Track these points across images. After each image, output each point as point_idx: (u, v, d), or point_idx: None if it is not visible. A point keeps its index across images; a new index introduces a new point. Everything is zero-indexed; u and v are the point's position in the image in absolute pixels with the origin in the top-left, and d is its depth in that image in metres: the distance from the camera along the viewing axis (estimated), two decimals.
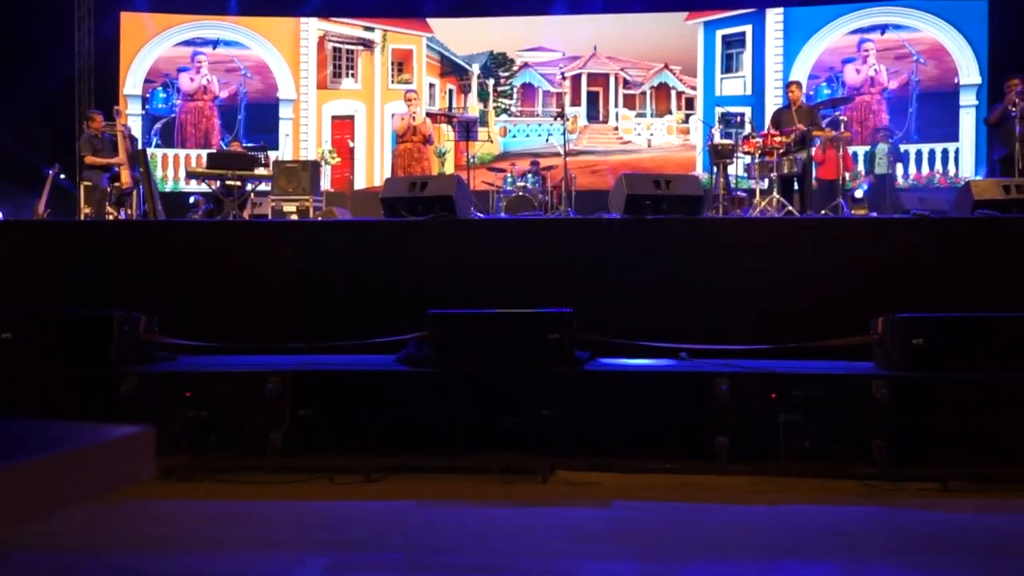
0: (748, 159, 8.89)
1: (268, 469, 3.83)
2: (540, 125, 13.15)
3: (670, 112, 13.05)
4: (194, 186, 10.82)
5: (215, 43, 13.09)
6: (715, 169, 9.00)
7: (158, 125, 12.95)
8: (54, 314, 4.31)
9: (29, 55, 11.43)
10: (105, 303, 4.40)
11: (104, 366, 4.08)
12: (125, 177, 8.65)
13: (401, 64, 13.34)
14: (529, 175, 10.80)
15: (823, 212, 8.28)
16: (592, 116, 13.22)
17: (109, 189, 8.77)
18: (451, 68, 13.31)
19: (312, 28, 13.21)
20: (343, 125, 13.15)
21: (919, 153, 12.25)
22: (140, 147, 10.29)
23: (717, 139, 9.40)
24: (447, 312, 4.21)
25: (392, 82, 13.27)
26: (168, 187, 12.56)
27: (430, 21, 13.22)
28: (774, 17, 12.72)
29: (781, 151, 8.41)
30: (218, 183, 8.68)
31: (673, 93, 13.04)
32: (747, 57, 12.82)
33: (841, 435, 3.79)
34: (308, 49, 13.21)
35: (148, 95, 12.94)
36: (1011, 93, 8.37)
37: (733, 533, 3.19)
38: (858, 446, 3.76)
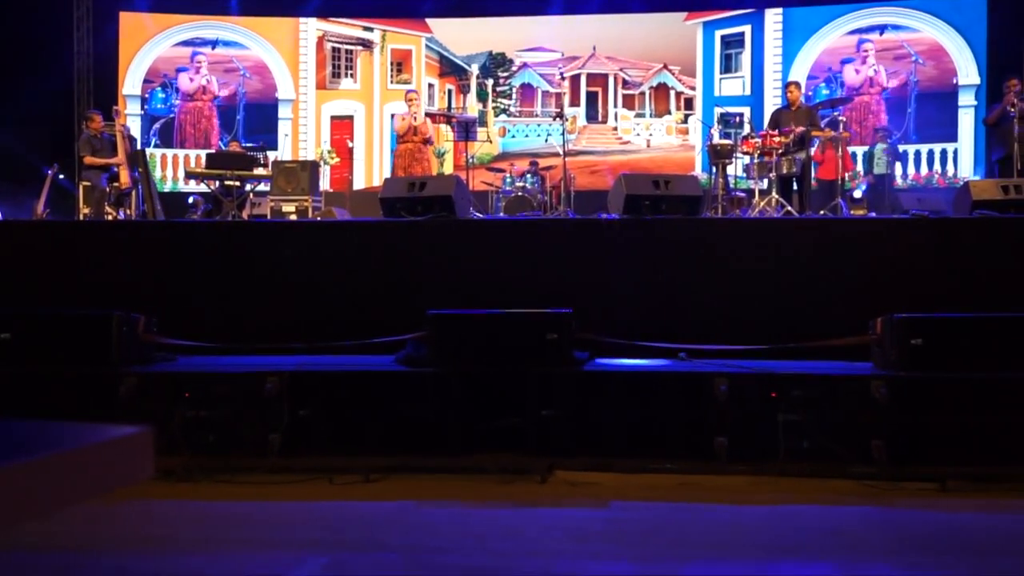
0: (747, 159, 8.89)
1: (267, 469, 3.83)
2: (539, 125, 13.15)
3: (669, 112, 13.05)
4: (193, 186, 10.81)
5: (214, 43, 13.08)
6: (714, 169, 9.00)
7: (157, 125, 12.94)
8: (53, 314, 4.31)
9: (28, 55, 11.43)
10: (104, 303, 4.39)
11: (103, 366, 4.08)
12: (124, 177, 8.65)
13: (400, 64, 13.34)
14: (528, 175, 10.80)
15: (822, 212, 8.28)
16: (591, 116, 13.22)
17: (108, 189, 8.77)
18: (450, 68, 13.31)
19: (311, 28, 13.21)
20: (342, 125, 13.15)
21: (918, 153, 12.25)
22: (139, 147, 10.28)
23: (716, 139, 9.40)
24: (446, 312, 4.21)
25: (391, 82, 13.26)
26: (167, 187, 12.55)
27: (429, 21, 13.22)
28: (773, 17, 12.72)
29: (780, 151, 8.42)
30: (217, 183, 8.68)
31: (672, 93, 13.05)
32: (746, 57, 12.82)
33: (840, 435, 3.79)
34: (307, 49, 13.20)
35: (147, 95, 12.94)
36: (1010, 93, 8.38)
37: (732, 533, 3.19)
38: (857, 446, 3.77)
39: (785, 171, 8.40)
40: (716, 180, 8.84)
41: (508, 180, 10.79)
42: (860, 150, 11.97)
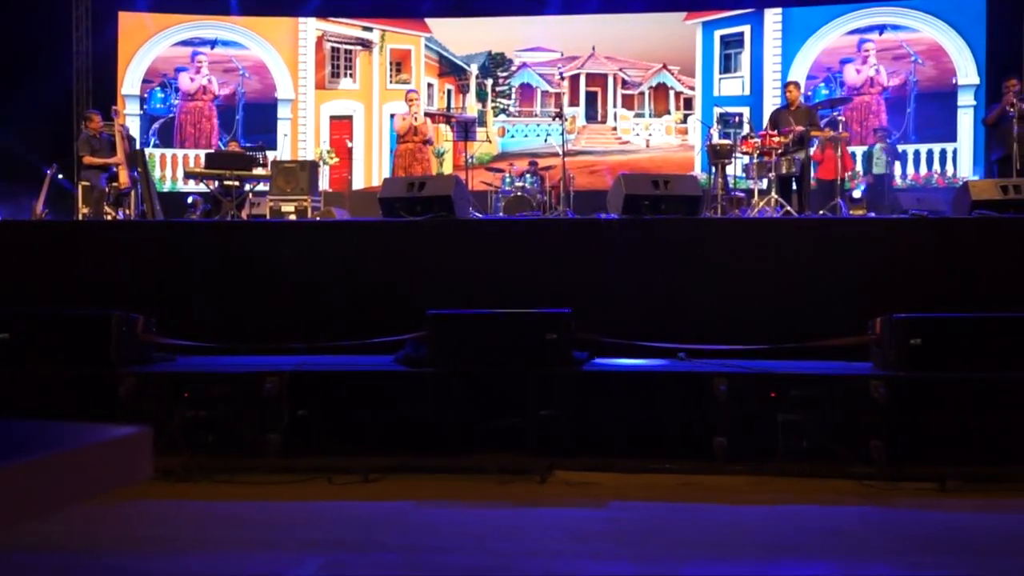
0: (746, 159, 8.89)
1: (266, 469, 3.83)
2: (538, 125, 13.15)
3: (668, 112, 13.05)
4: (192, 186, 10.80)
5: (213, 43, 13.08)
6: (713, 169, 9.00)
7: (156, 125, 12.93)
8: (52, 314, 4.30)
9: (27, 55, 11.42)
10: (103, 303, 4.39)
11: (102, 366, 4.08)
12: (123, 177, 8.64)
13: (399, 64, 13.33)
14: (527, 175, 10.79)
15: (821, 212, 8.28)
16: (590, 116, 13.22)
17: (107, 189, 8.76)
18: (449, 68, 13.31)
19: (310, 28, 13.20)
20: (341, 125, 13.14)
21: (917, 153, 12.26)
22: (138, 147, 10.28)
23: (715, 139, 9.40)
24: (445, 312, 4.21)
25: (390, 82, 13.26)
26: (166, 187, 12.55)
27: (428, 21, 13.22)
28: (772, 17, 12.72)
29: (779, 151, 8.42)
30: (216, 183, 8.68)
31: (671, 93, 13.05)
32: (745, 57, 12.82)
33: (839, 435, 3.80)
34: (306, 49, 13.20)
35: (146, 95, 12.93)
36: (1009, 94, 8.38)
37: (731, 533, 3.20)
38: (856, 446, 3.77)
39: (784, 171, 8.40)
40: (715, 180, 8.84)
41: (507, 180, 10.79)
42: (860, 150, 11.98)
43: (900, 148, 12.02)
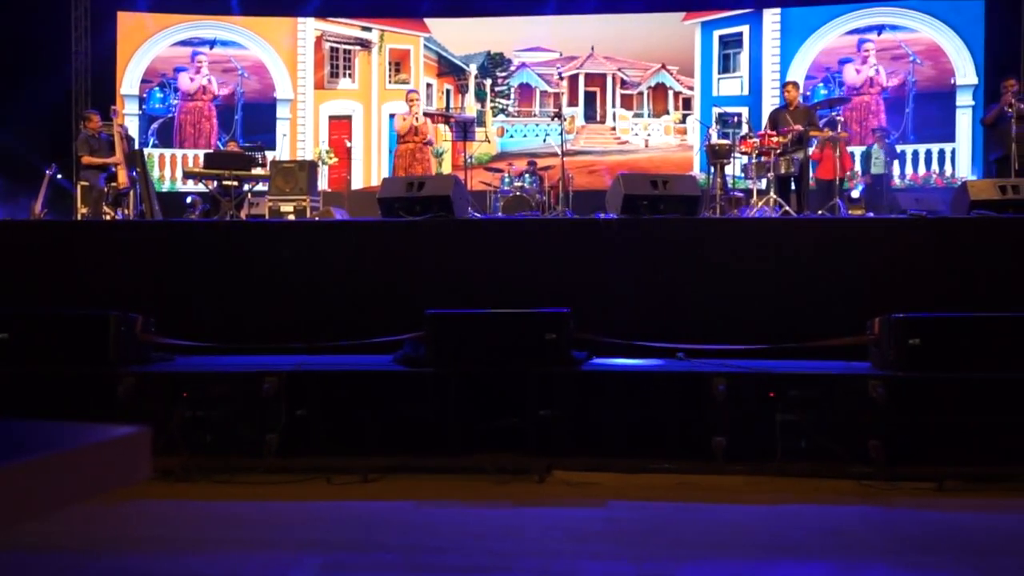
0: (745, 159, 8.90)
1: (265, 469, 3.83)
2: (537, 125, 13.15)
3: (667, 112, 13.05)
4: (191, 186, 10.80)
5: (212, 43, 13.07)
6: (712, 169, 9.00)
7: (155, 125, 12.92)
8: (51, 314, 4.30)
9: (27, 55, 11.41)
10: (102, 303, 4.39)
11: (101, 366, 4.08)
12: (122, 177, 8.64)
13: (398, 64, 13.33)
14: (526, 175, 10.79)
15: (820, 212, 8.29)
16: (589, 116, 13.22)
17: (106, 189, 8.75)
18: (448, 68, 13.31)
19: (309, 28, 13.20)
20: (340, 125, 13.14)
21: (915, 153, 12.27)
22: (137, 147, 10.27)
23: (714, 139, 9.41)
24: (444, 312, 4.21)
25: (389, 82, 13.26)
26: (165, 187, 12.54)
27: (427, 21, 13.21)
28: (771, 17, 12.72)
29: (778, 151, 8.42)
30: (215, 183, 8.67)
31: (670, 93, 13.05)
32: (744, 57, 12.82)
33: (838, 435, 3.80)
34: (305, 49, 13.19)
35: (145, 95, 12.92)
36: (1007, 94, 8.38)
37: (730, 533, 3.20)
38: (855, 446, 3.77)
39: (783, 171, 8.41)
40: (714, 180, 8.84)
41: (506, 180, 10.79)
42: (859, 150, 11.98)
43: (899, 148, 12.03)
